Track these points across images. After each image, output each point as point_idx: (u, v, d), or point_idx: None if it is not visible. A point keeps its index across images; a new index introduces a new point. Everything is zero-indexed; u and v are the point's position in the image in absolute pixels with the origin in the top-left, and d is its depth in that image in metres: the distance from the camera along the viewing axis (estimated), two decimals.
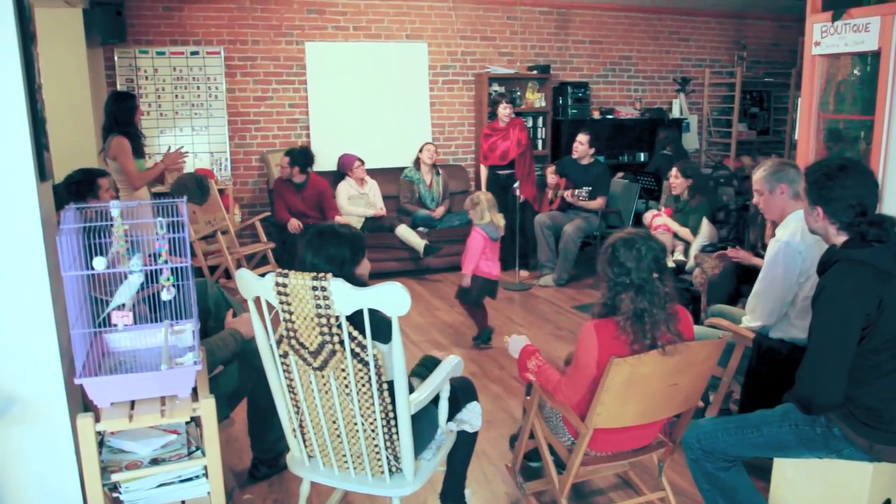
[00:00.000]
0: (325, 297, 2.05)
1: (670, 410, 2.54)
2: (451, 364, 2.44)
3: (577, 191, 6.25)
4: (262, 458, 3.15)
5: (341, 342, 2.10)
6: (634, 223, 6.30)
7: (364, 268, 2.37)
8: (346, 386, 2.17)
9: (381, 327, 2.12)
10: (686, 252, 5.27)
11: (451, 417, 2.54)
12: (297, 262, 2.29)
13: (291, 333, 2.17)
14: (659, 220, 5.51)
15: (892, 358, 2.18)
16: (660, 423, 2.63)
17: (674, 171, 5.48)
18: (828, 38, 4.82)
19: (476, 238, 4.63)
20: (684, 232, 5.33)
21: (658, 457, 2.77)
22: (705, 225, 5.24)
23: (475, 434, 2.62)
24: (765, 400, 2.72)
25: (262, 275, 2.18)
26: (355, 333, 2.10)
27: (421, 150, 6.93)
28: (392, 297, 2.04)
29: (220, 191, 6.31)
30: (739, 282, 4.04)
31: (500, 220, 4.68)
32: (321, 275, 2.05)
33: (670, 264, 5.08)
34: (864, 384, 2.20)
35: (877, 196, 2.29)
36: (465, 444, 2.62)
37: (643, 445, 2.68)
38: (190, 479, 2.12)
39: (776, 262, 2.96)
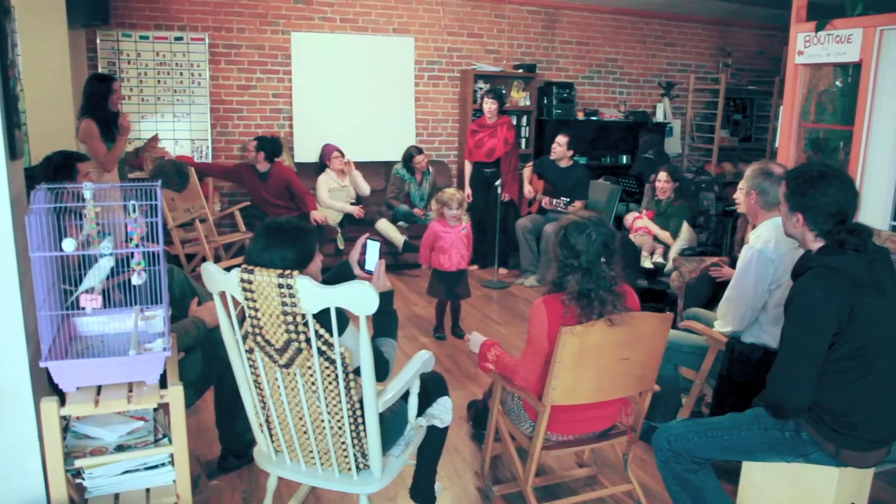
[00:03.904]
0: (291, 295, 2.02)
1: (625, 389, 2.61)
2: (422, 359, 2.42)
3: (555, 200, 6.21)
4: (230, 448, 3.12)
5: (307, 340, 2.08)
6: (616, 225, 6.31)
7: (314, 267, 2.27)
8: (313, 383, 2.15)
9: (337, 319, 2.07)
10: (665, 255, 5.29)
11: (421, 412, 2.53)
12: (246, 253, 2.22)
13: (257, 330, 2.14)
14: (640, 222, 5.53)
15: (861, 365, 2.20)
16: (617, 405, 2.71)
17: (663, 174, 5.46)
18: (811, 48, 4.86)
19: None
20: (664, 235, 5.36)
21: (622, 449, 2.82)
22: (685, 229, 5.27)
23: (445, 429, 2.62)
24: (736, 403, 2.74)
25: (229, 268, 2.15)
26: (322, 331, 2.07)
27: (413, 160, 6.83)
28: (359, 297, 2.02)
29: (200, 179, 6.25)
30: (715, 286, 4.07)
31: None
32: (287, 272, 2.02)
33: (648, 265, 5.12)
34: (833, 390, 2.22)
35: (856, 204, 2.31)
36: (435, 440, 2.61)
37: (604, 429, 2.75)
38: (155, 467, 2.10)
39: (748, 270, 2.97)
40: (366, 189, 6.85)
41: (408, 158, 6.84)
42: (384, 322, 2.45)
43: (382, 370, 2.28)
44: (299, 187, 6.23)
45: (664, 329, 2.57)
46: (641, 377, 2.61)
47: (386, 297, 2.39)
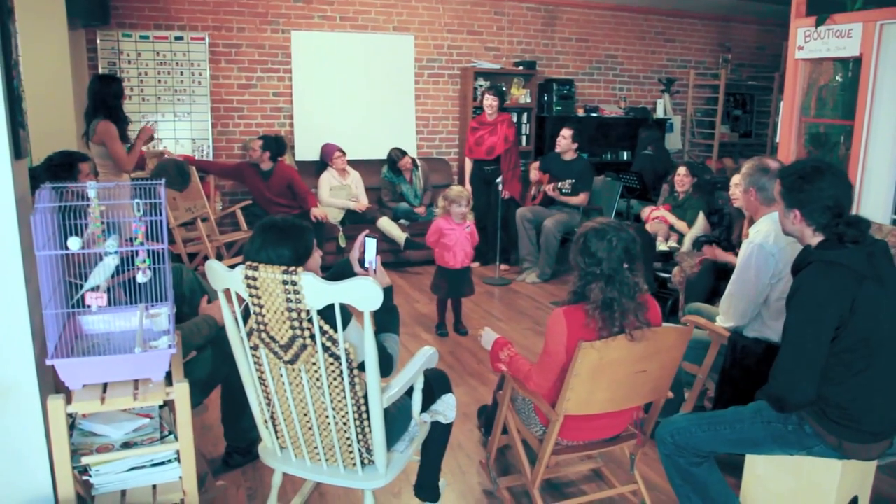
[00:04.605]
0: (296, 292, 2.03)
1: (639, 399, 2.58)
2: (426, 355, 2.43)
3: (559, 183, 6.26)
4: (235, 445, 3.13)
5: (312, 336, 2.09)
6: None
7: (313, 264, 2.28)
8: (318, 379, 2.16)
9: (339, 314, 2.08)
10: (680, 241, 5.34)
11: (425, 409, 2.54)
12: (245, 253, 2.22)
13: (262, 327, 2.14)
14: (657, 213, 5.58)
15: (863, 357, 2.20)
16: (629, 413, 2.67)
17: (682, 168, 5.58)
18: (811, 43, 4.87)
19: None
20: (681, 225, 5.41)
21: (630, 449, 2.82)
22: (701, 218, 5.31)
23: (449, 426, 2.62)
24: (738, 397, 2.75)
25: (233, 266, 2.16)
26: (326, 328, 2.08)
27: (398, 163, 6.86)
28: (363, 293, 2.03)
29: (202, 178, 6.26)
30: (717, 280, 4.08)
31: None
32: (292, 269, 2.03)
33: (664, 248, 5.14)
34: (836, 383, 2.23)
35: (851, 197, 2.32)
36: (439, 436, 2.62)
37: (614, 435, 2.72)
38: (162, 464, 2.11)
39: (749, 264, 2.98)
40: (361, 195, 6.88)
41: (392, 162, 6.87)
42: (385, 318, 2.46)
43: (386, 365, 2.29)
44: (301, 186, 6.23)
45: (683, 342, 2.52)
46: (656, 388, 2.58)
47: (385, 293, 2.40)
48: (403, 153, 6.89)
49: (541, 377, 2.53)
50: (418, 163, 7.09)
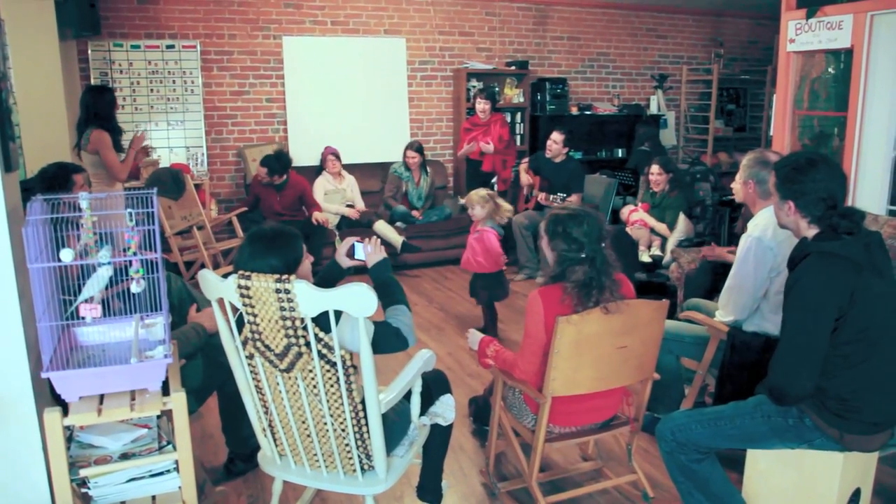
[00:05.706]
0: (290, 300, 2.02)
1: (625, 377, 2.63)
2: (423, 358, 2.43)
3: (552, 196, 6.20)
4: (237, 452, 3.12)
5: (307, 344, 2.08)
6: (612, 219, 6.31)
7: (304, 270, 2.28)
8: (314, 387, 2.15)
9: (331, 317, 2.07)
10: (662, 247, 5.29)
11: (424, 411, 2.53)
12: (234, 264, 2.21)
13: (256, 336, 2.13)
14: (636, 215, 5.51)
15: (863, 348, 2.20)
16: (618, 395, 2.73)
17: (655, 167, 5.44)
18: (802, 36, 4.87)
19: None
20: (661, 227, 5.34)
21: (626, 440, 2.85)
22: (682, 220, 5.26)
23: (449, 427, 2.62)
24: (739, 392, 2.75)
25: (226, 275, 2.15)
26: (321, 335, 2.07)
27: (407, 153, 6.84)
28: (358, 298, 2.02)
29: (197, 186, 6.24)
30: (715, 276, 4.07)
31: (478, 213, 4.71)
32: (284, 277, 2.02)
33: (646, 259, 5.11)
34: (835, 375, 2.22)
35: (845, 189, 2.32)
36: (439, 438, 2.61)
37: (605, 420, 2.77)
38: (161, 474, 2.09)
39: (747, 258, 2.98)
40: (357, 199, 6.86)
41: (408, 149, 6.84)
42: (386, 292, 2.41)
43: (398, 340, 2.27)
44: (311, 198, 6.28)
45: (660, 316, 2.60)
46: (640, 366, 2.64)
47: (383, 265, 2.47)
48: (420, 150, 6.83)
49: (525, 362, 2.59)
50: (429, 169, 7.04)
